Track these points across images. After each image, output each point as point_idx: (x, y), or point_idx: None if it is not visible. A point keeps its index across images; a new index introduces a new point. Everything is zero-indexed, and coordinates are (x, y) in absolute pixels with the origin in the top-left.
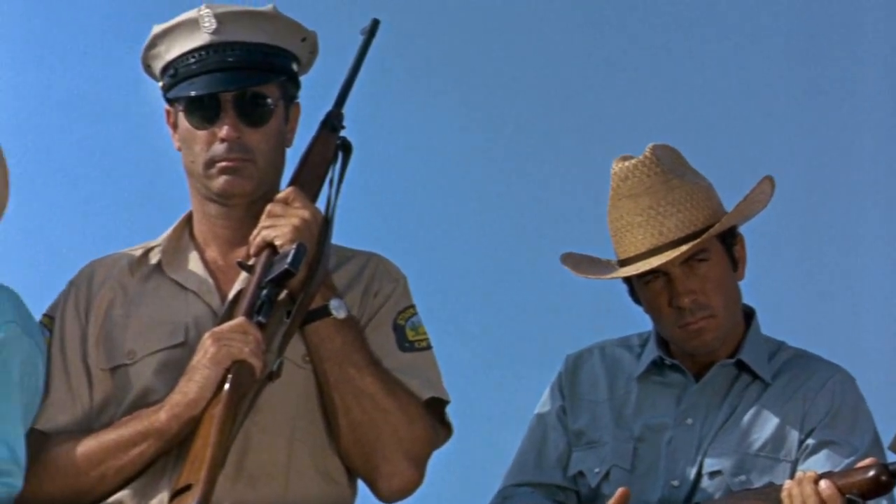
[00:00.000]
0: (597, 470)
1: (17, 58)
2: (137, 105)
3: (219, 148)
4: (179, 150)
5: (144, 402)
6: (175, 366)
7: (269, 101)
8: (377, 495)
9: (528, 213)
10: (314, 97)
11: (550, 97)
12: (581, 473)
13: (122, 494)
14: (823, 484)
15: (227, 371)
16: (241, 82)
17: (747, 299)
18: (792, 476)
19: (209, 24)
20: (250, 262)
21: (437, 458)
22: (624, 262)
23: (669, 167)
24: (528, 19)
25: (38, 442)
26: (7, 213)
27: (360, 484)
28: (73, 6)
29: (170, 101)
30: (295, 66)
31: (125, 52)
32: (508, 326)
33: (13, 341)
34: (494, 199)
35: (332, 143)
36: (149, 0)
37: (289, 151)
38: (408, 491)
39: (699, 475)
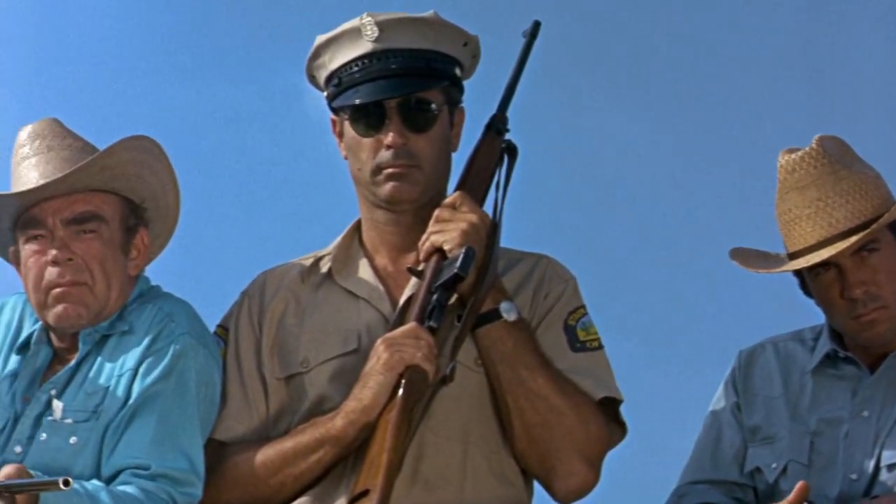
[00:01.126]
0: (774, 465)
1: (184, 71)
2: (302, 116)
3: (385, 155)
4: (346, 158)
5: (320, 409)
6: (349, 373)
7: (434, 106)
8: (553, 496)
9: (695, 208)
10: (478, 101)
11: (715, 92)
12: (758, 469)
13: (300, 501)
14: None
15: (401, 376)
16: (404, 89)
17: None
18: None
19: (371, 32)
20: (420, 268)
21: (611, 458)
22: (793, 256)
23: (836, 158)
24: (688, 16)
25: (217, 452)
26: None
27: (536, 485)
28: (234, 21)
29: (335, 111)
30: (458, 71)
31: (287, 65)
32: (678, 324)
33: (189, 353)
34: (660, 196)
35: (497, 147)
36: (311, 12)
37: (454, 156)
38: (584, 491)
39: (877, 468)
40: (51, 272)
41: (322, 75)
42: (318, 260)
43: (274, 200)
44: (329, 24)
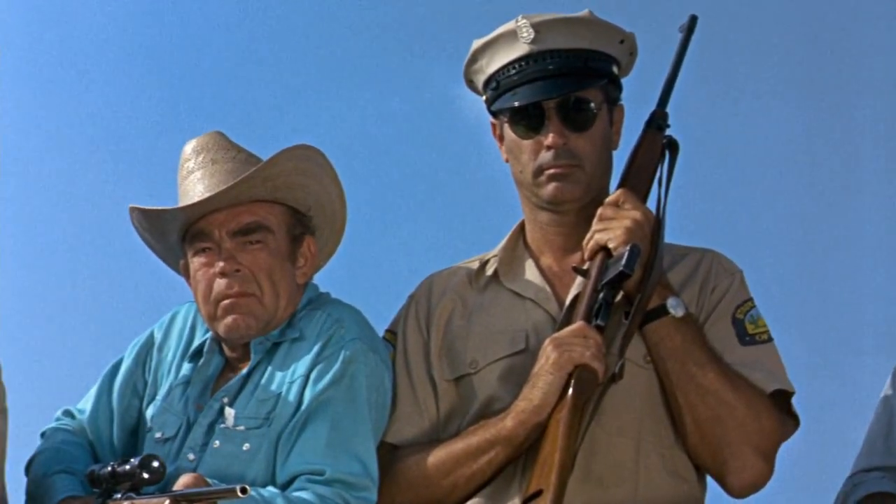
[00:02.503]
0: None
1: (341, 83)
2: (457, 122)
3: (546, 156)
4: (507, 161)
5: (489, 410)
6: (518, 373)
7: (592, 105)
8: (728, 491)
9: (855, 198)
10: (637, 98)
11: (879, 81)
12: None
13: (473, 502)
14: None
15: (570, 376)
16: (562, 89)
17: None
18: None
19: (527, 34)
20: (585, 267)
21: (784, 450)
22: None
23: None
24: (846, 4)
25: (389, 455)
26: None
27: (710, 480)
28: (387, 32)
29: (494, 114)
30: (615, 69)
31: (440, 72)
32: (844, 315)
33: (359, 358)
34: (824, 189)
35: (658, 143)
36: (462, 19)
37: (616, 154)
38: (758, 485)
39: None
40: (219, 284)
41: (480, 79)
42: (484, 263)
43: (435, 206)
44: (482, 29)
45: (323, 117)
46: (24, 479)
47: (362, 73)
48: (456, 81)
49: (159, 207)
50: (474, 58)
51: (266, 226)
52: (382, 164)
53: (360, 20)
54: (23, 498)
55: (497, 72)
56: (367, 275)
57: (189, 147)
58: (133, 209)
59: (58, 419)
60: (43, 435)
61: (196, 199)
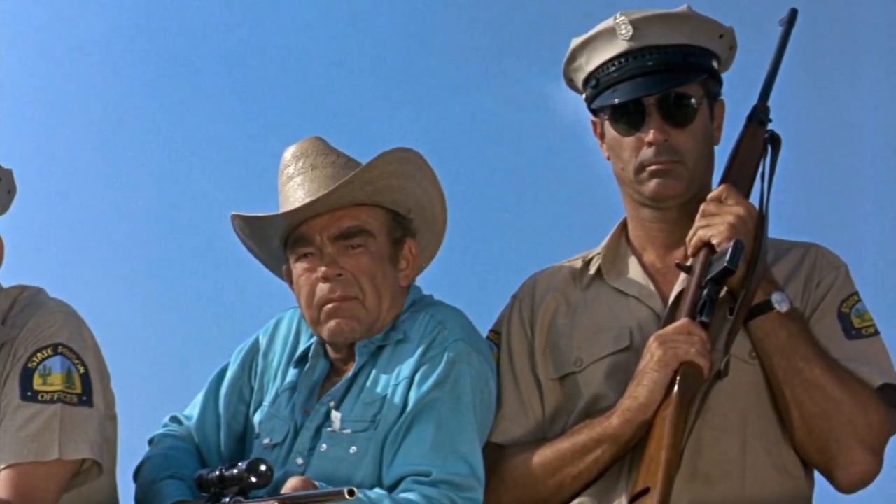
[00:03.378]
0: None
1: (436, 83)
2: (551, 121)
3: (647, 152)
4: (608, 158)
5: (595, 408)
6: (622, 370)
7: (693, 100)
8: (836, 486)
9: None
10: (737, 93)
11: None
12: None
13: (580, 500)
14: None
15: (676, 373)
16: (663, 85)
17: None
18: None
19: (626, 31)
20: (688, 263)
21: (893, 444)
22: None
23: None
24: None
25: (495, 455)
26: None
27: (818, 476)
28: (481, 32)
29: (594, 112)
30: (715, 64)
31: (533, 72)
32: None
33: (463, 359)
34: None
35: (760, 137)
36: (555, 18)
37: (717, 149)
38: (867, 480)
39: None
40: (322, 289)
41: (579, 78)
42: (587, 261)
43: (534, 205)
44: (576, 28)
45: (421, 120)
46: (133, 485)
47: (459, 75)
48: (551, 80)
49: (260, 214)
50: (573, 56)
51: (367, 229)
52: (480, 164)
53: (456, 23)
54: (132, 503)
55: (596, 69)
56: (469, 276)
57: (289, 153)
58: (235, 216)
59: (165, 425)
60: (151, 441)
61: (296, 204)
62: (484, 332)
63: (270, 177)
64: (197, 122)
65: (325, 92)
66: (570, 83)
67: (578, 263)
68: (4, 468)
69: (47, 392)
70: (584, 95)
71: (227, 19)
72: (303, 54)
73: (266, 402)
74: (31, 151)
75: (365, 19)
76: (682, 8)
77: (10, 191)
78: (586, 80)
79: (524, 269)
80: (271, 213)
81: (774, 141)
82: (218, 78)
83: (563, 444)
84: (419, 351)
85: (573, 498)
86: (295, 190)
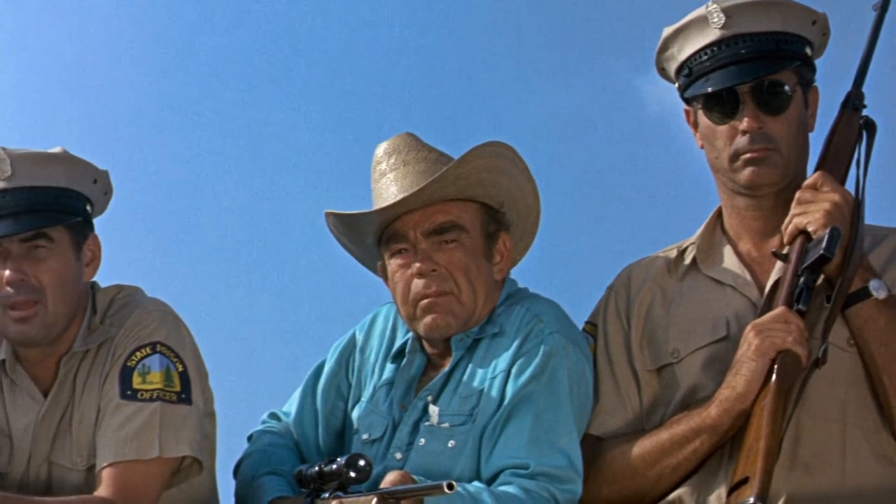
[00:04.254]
0: None
1: (527, 78)
2: (639, 114)
3: (741, 140)
4: (702, 147)
5: (693, 398)
6: (720, 360)
7: (787, 87)
8: None
9: None
10: (830, 79)
11: None
12: None
13: (680, 492)
14: None
15: (773, 362)
16: (756, 72)
17: None
18: None
19: (718, 19)
20: (785, 251)
21: None
22: None
23: None
24: None
25: (593, 447)
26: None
27: None
28: (571, 28)
29: (687, 101)
30: (808, 50)
31: (622, 65)
32: None
33: (559, 352)
34: None
35: (855, 124)
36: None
37: (812, 136)
38: None
39: None
40: (417, 284)
41: (672, 67)
42: (682, 250)
43: (625, 196)
44: (665, 20)
45: (511, 114)
46: (233, 482)
47: (548, 70)
48: (638, 73)
49: (354, 212)
50: (665, 45)
51: (460, 224)
52: (570, 157)
53: (545, 18)
54: (232, 500)
55: (689, 58)
56: (564, 268)
57: (381, 149)
58: (329, 214)
59: (264, 422)
60: (250, 438)
61: (389, 201)
62: (580, 324)
63: (363, 173)
64: (289, 121)
65: (416, 87)
66: (663, 72)
67: (673, 253)
68: (106, 466)
69: (147, 390)
70: (676, 84)
71: (315, 20)
72: (392, 51)
73: (364, 398)
74: (128, 153)
75: (456, 15)
76: None
77: (107, 192)
78: (679, 69)
79: (618, 260)
80: (364, 211)
81: (869, 127)
82: (309, 77)
83: (662, 436)
84: (515, 344)
85: (672, 489)
86: (387, 186)
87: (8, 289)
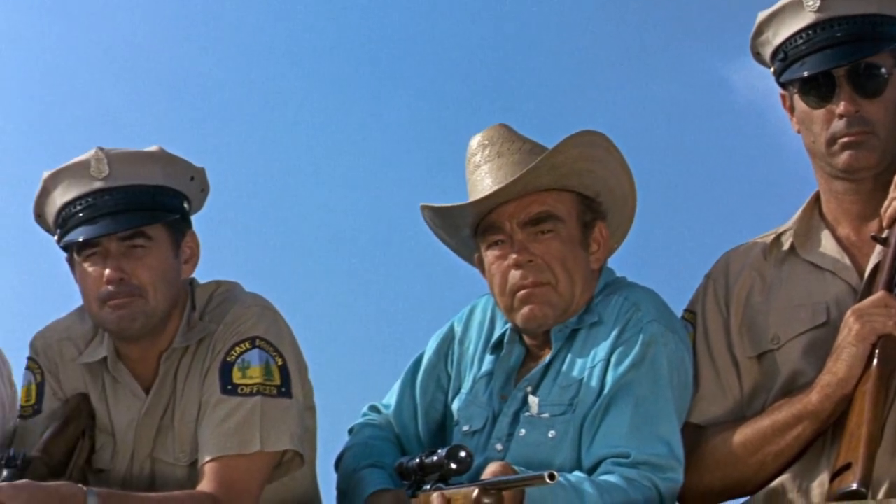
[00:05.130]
0: None
1: (620, 69)
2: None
3: (838, 124)
4: (798, 132)
5: (793, 385)
6: (820, 346)
7: (883, 70)
8: None
9: None
10: None
11: None
12: None
13: (782, 479)
14: None
15: (874, 346)
16: (852, 56)
17: None
18: None
19: (813, 2)
20: (884, 235)
21: None
22: None
23: None
24: None
25: (694, 435)
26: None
27: None
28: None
29: (783, 85)
30: None
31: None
32: None
33: (658, 340)
34: None
35: None
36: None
37: None
38: None
39: None
40: (514, 275)
41: (767, 51)
42: (779, 236)
43: (719, 184)
44: (752, 7)
45: (603, 104)
46: (334, 475)
47: (640, 60)
48: (727, 62)
49: (449, 204)
50: (760, 30)
51: (556, 214)
52: (663, 146)
53: (634, 8)
54: (333, 493)
55: (784, 42)
56: (661, 256)
57: (475, 141)
58: (424, 207)
59: (364, 415)
60: (351, 431)
61: (484, 192)
62: (678, 313)
63: (457, 166)
64: (384, 114)
65: (509, 78)
66: (758, 57)
67: (770, 239)
68: (208, 462)
69: (247, 385)
70: (771, 69)
71: (409, 12)
72: (485, 43)
73: (464, 390)
74: (225, 149)
75: (547, 6)
76: None
77: (204, 189)
78: (774, 54)
79: (715, 247)
80: (460, 203)
81: None
82: (404, 70)
83: (764, 422)
84: (614, 333)
85: (775, 476)
86: (482, 178)
87: (108, 287)
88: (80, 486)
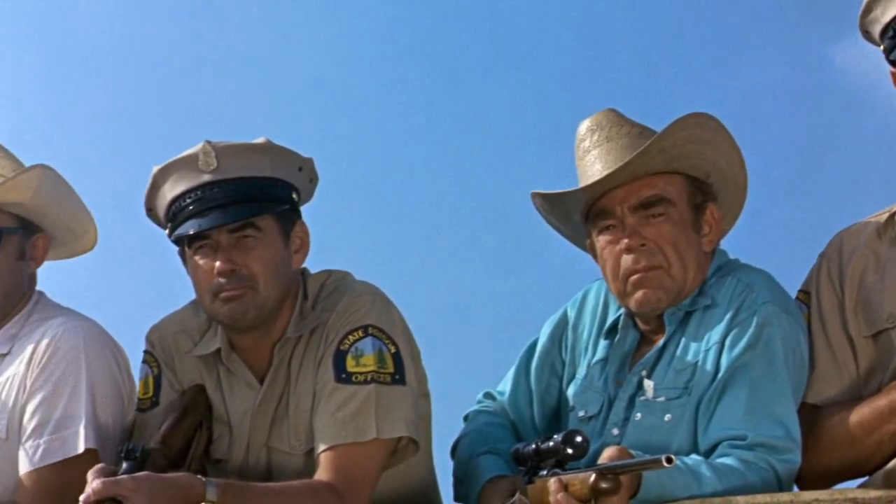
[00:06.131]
0: None
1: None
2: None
3: None
4: None
5: None
6: None
7: None
8: None
9: None
10: None
11: None
12: None
13: None
14: None
15: None
16: None
17: None
18: None
19: None
20: None
21: None
22: None
23: None
24: None
25: (811, 416)
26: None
27: None
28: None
29: (893, 63)
30: None
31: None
32: None
33: (773, 321)
34: None
35: None
36: None
37: None
38: None
39: None
40: (626, 260)
41: (876, 29)
42: (893, 214)
43: (829, 165)
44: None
45: (711, 87)
46: (451, 462)
47: (747, 42)
48: (833, 43)
49: (559, 191)
50: (868, 8)
51: (667, 198)
52: (773, 128)
53: None
54: (450, 479)
55: (893, 19)
56: (773, 237)
57: (583, 127)
58: (534, 194)
59: (479, 402)
60: (466, 418)
61: (594, 178)
62: (792, 294)
63: (567, 152)
64: (494, 102)
65: (617, 63)
66: (867, 35)
67: (884, 218)
68: (325, 450)
69: (361, 373)
70: (881, 47)
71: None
72: (592, 27)
73: (579, 375)
74: (336, 140)
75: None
76: None
77: (313, 179)
78: (883, 31)
79: (829, 227)
80: (570, 189)
81: None
82: (512, 56)
83: (881, 402)
84: (728, 315)
85: (893, 456)
86: (592, 163)
87: (219, 279)
88: (199, 476)
